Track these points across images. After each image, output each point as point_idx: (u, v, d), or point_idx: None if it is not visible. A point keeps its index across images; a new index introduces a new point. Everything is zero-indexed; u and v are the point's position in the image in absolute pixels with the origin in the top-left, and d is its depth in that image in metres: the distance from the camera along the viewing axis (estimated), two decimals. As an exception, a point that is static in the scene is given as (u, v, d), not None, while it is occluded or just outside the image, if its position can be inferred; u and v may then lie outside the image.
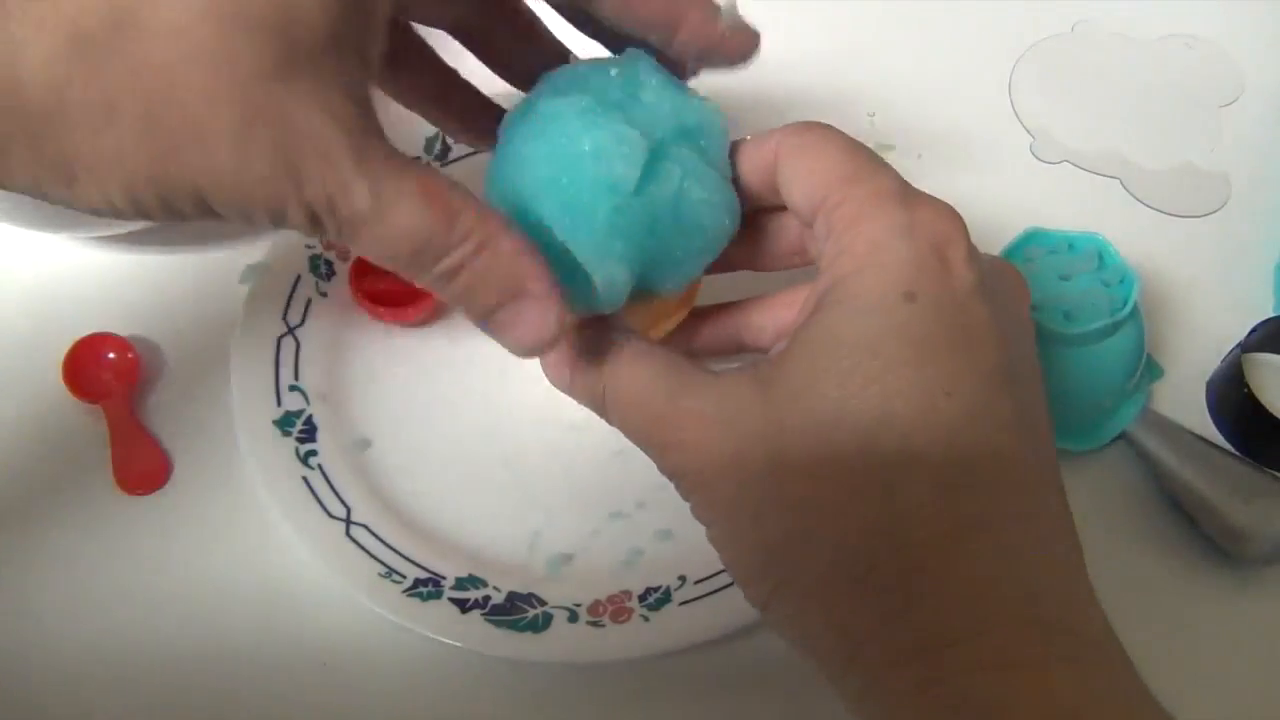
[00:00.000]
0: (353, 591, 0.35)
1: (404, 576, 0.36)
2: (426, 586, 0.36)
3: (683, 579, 0.36)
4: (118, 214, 0.25)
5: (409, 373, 0.42)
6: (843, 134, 0.29)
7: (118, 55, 0.23)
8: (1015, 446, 0.26)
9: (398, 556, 0.36)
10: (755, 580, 0.27)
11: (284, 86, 0.24)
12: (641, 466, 0.40)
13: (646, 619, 0.35)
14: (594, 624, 0.35)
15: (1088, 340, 0.36)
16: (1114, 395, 0.38)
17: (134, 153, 0.23)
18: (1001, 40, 0.52)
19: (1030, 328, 0.29)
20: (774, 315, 0.33)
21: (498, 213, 0.28)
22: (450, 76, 0.34)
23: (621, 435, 0.39)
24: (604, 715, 0.36)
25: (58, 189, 0.24)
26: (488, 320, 0.28)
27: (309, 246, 0.42)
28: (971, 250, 0.27)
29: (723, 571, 0.36)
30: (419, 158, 0.43)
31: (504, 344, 0.28)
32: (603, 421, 0.42)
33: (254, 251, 0.42)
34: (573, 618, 0.35)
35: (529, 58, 0.32)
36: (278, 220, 0.25)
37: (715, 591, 0.36)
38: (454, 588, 0.36)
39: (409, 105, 0.34)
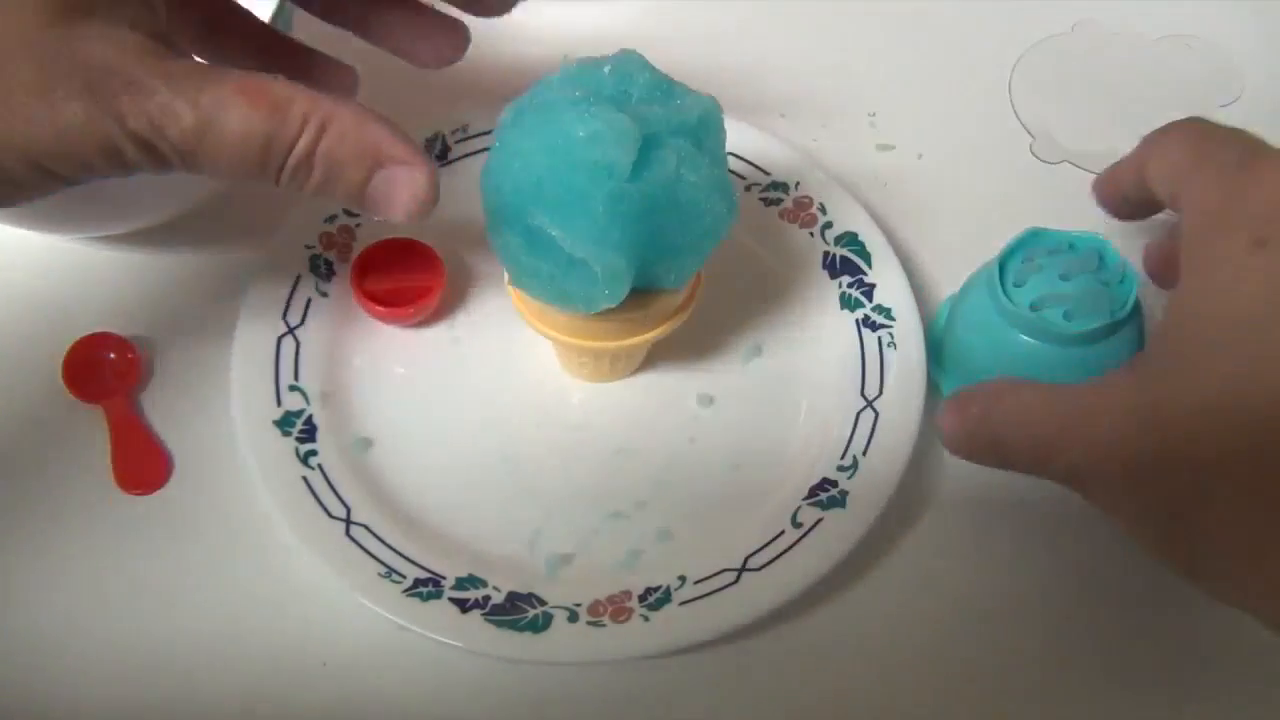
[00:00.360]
0: (353, 591, 0.35)
1: (404, 576, 0.36)
2: (426, 586, 0.36)
3: (683, 579, 0.36)
4: None
5: (409, 373, 0.42)
6: (1200, 123, 0.31)
7: None
8: None
9: (398, 556, 0.36)
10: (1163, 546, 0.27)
11: (73, 30, 0.24)
12: (641, 466, 0.40)
13: (646, 619, 0.35)
14: (594, 624, 0.35)
15: (1089, 340, 0.36)
16: None
17: None
18: (1001, 40, 0.52)
19: None
20: None
21: (328, 95, 0.27)
22: (272, 39, 0.34)
23: (621, 435, 0.39)
24: (604, 715, 0.36)
25: None
26: (363, 200, 0.27)
27: (309, 247, 0.42)
28: None
29: (723, 571, 0.36)
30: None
31: (389, 217, 0.28)
32: (603, 421, 0.42)
33: (255, 251, 0.42)
34: (573, 618, 0.35)
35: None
36: (116, 162, 0.25)
37: (715, 591, 0.36)
38: (454, 588, 0.36)
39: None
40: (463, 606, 0.35)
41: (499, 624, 0.35)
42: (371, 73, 0.41)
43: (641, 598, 0.36)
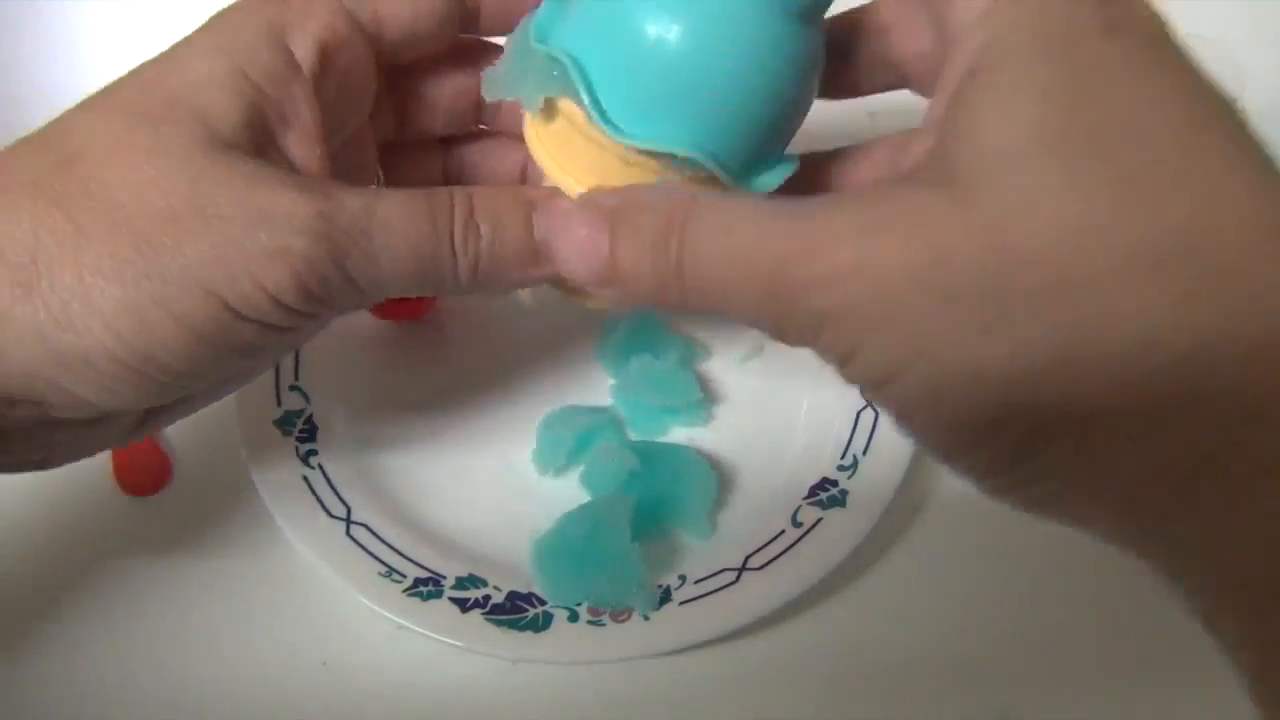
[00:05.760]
0: (353, 591, 0.35)
1: (404, 576, 0.36)
2: (426, 586, 0.36)
3: (683, 579, 0.36)
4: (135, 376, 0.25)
5: (409, 372, 0.42)
6: None
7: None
8: None
9: (398, 556, 0.36)
10: (983, 436, 0.20)
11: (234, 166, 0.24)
12: (641, 466, 0.40)
13: (647, 619, 0.35)
14: (594, 624, 0.35)
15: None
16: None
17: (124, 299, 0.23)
18: (1001, 40, 0.52)
19: None
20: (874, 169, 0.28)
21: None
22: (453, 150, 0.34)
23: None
24: (604, 715, 0.36)
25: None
26: (535, 253, 0.26)
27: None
28: None
29: (723, 571, 0.36)
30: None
31: (569, 268, 0.25)
32: (603, 421, 0.41)
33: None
34: (573, 617, 0.35)
35: None
36: (293, 279, 0.24)
37: (715, 591, 0.36)
38: (454, 587, 0.36)
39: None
40: (463, 606, 0.35)
41: (499, 624, 0.35)
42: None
43: (642, 597, 0.36)
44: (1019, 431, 0.20)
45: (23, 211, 0.24)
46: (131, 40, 0.29)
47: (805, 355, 0.43)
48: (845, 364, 0.21)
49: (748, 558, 0.36)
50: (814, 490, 0.38)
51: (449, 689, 0.36)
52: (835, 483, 0.38)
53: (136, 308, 0.24)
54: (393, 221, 0.25)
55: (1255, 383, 0.19)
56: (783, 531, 0.37)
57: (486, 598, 0.36)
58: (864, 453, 0.38)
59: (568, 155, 0.27)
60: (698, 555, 0.37)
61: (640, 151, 0.25)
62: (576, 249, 0.24)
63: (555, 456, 0.38)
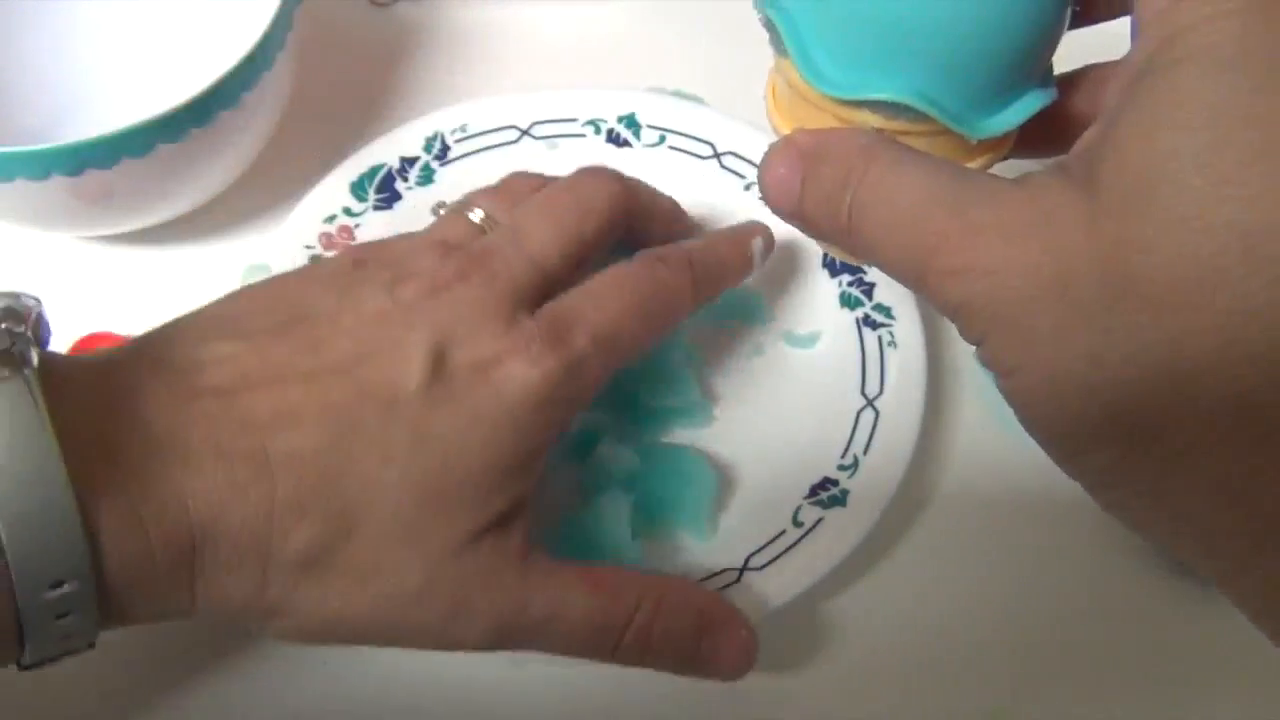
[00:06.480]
0: (353, 591, 0.35)
1: (404, 576, 0.36)
2: (427, 586, 0.36)
3: (683, 579, 0.36)
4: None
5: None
6: None
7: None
8: None
9: (398, 556, 0.36)
10: (1093, 443, 0.21)
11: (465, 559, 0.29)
12: (642, 465, 0.40)
13: (647, 618, 0.35)
14: (594, 623, 0.35)
15: None
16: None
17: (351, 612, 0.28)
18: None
19: None
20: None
21: (660, 574, 0.33)
22: None
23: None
24: (605, 715, 0.36)
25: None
26: (693, 664, 0.32)
27: (308, 246, 0.42)
28: None
29: (723, 571, 0.36)
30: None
31: (718, 678, 0.32)
32: (603, 421, 0.41)
33: (254, 251, 0.42)
34: (573, 617, 0.35)
35: None
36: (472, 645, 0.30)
37: (715, 591, 0.36)
38: (454, 587, 0.36)
39: None
40: (463, 606, 0.35)
41: (499, 623, 0.35)
42: (372, 73, 0.41)
43: (642, 597, 0.36)
44: (1120, 445, 0.20)
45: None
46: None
47: (805, 355, 0.43)
48: (978, 349, 0.22)
49: (748, 558, 0.36)
50: (814, 490, 0.38)
51: (449, 689, 0.36)
52: (836, 482, 0.38)
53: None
54: (569, 626, 0.30)
55: None
56: (783, 531, 0.37)
57: (487, 597, 0.36)
58: (865, 452, 0.38)
59: (794, 120, 0.26)
60: (698, 555, 0.37)
61: (850, 103, 0.24)
62: (775, 185, 0.24)
63: (554, 454, 0.38)
